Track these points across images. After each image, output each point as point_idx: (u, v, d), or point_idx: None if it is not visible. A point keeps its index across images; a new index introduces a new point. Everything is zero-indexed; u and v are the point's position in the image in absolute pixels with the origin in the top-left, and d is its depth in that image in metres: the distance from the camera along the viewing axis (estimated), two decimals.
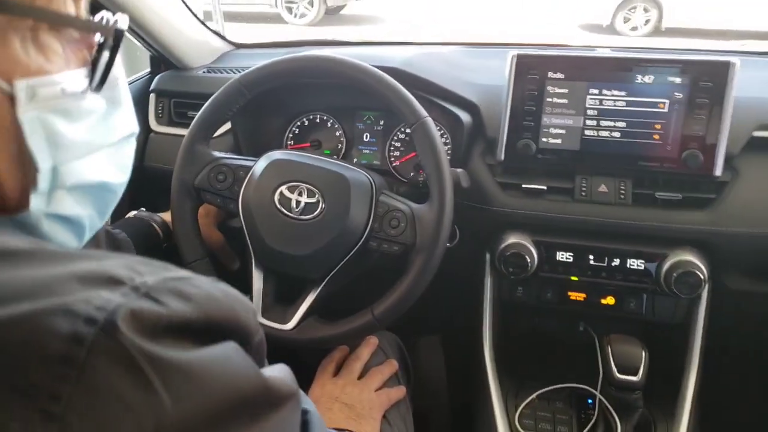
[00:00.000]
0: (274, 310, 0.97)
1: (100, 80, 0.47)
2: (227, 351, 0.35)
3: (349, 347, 1.05)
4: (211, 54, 1.46)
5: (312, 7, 8.02)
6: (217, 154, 1.01)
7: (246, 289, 0.96)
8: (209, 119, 1.00)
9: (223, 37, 1.51)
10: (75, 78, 0.45)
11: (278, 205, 0.92)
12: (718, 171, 0.99)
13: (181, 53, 1.35)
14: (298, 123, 1.26)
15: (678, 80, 0.98)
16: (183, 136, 1.00)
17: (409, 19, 8.72)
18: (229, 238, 1.16)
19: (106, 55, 0.47)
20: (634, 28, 7.37)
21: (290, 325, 0.95)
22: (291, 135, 1.27)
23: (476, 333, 1.17)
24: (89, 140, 0.47)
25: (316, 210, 0.92)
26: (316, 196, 0.92)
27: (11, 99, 0.40)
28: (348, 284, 1.04)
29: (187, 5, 1.35)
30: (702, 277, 0.97)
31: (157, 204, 1.12)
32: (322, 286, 0.95)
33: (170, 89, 1.34)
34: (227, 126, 1.23)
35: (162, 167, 1.27)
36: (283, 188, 0.93)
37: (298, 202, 0.92)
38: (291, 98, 1.24)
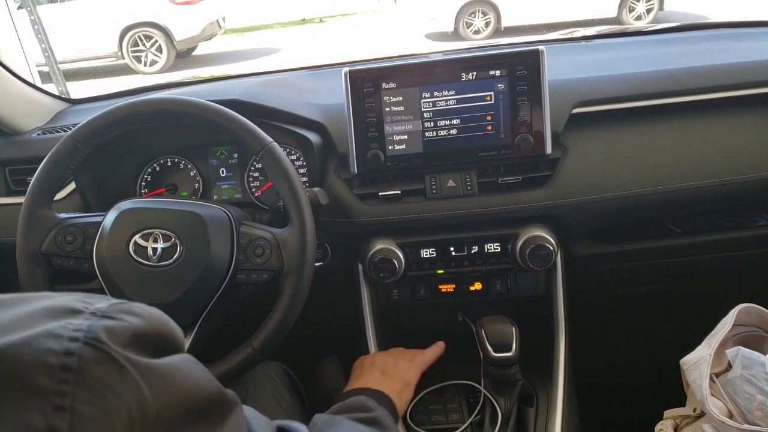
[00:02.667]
0: None
1: None
2: (186, 360, 0.42)
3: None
4: (44, 114, 1.39)
5: (161, 53, 7.80)
6: (61, 215, 0.96)
7: None
8: (46, 182, 0.95)
9: (54, 95, 1.44)
10: None
11: (134, 256, 0.89)
12: (548, 149, 1.08)
13: (8, 118, 1.27)
14: (149, 170, 1.23)
15: (498, 73, 1.06)
16: None
17: (266, 51, 8.73)
18: None
19: None
20: (476, 32, 7.87)
21: None
22: (144, 183, 1.23)
23: (364, 344, 1.18)
24: None
25: (174, 254, 0.89)
26: (173, 239, 0.90)
27: None
28: (229, 321, 1.02)
29: (6, 68, 1.27)
30: (552, 248, 1.05)
31: (9, 281, 1.04)
32: (195, 330, 0.93)
33: (2, 157, 1.25)
34: (72, 186, 1.18)
35: (6, 241, 1.19)
36: (137, 237, 0.90)
37: (154, 250, 0.89)
38: (137, 145, 1.20)
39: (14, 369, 0.33)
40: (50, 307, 0.38)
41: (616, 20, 7.67)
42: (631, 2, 7.73)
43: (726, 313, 0.91)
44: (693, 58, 1.22)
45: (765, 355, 0.80)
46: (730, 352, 0.82)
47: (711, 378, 0.81)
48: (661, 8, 7.80)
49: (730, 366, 0.82)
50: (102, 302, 0.40)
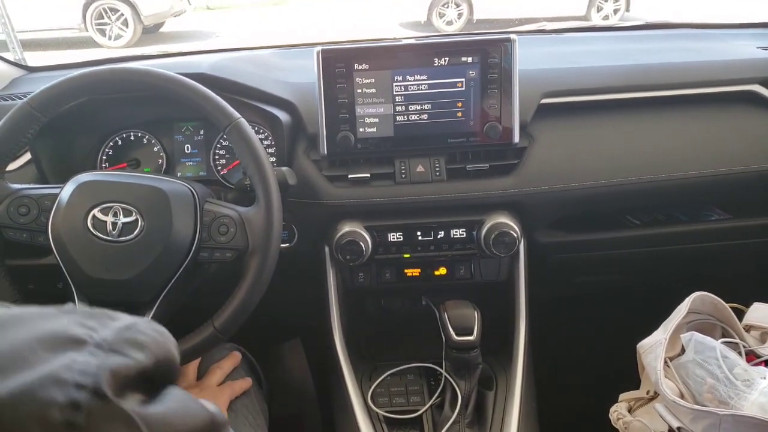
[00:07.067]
0: None
1: None
2: (178, 395, 0.40)
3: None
4: None
5: (127, 27, 7.55)
6: (15, 186, 0.93)
7: None
8: None
9: (9, 62, 1.38)
10: None
11: (92, 230, 0.87)
12: (516, 138, 1.09)
13: None
14: (111, 143, 1.19)
15: (470, 59, 1.07)
16: None
17: (235, 33, 8.56)
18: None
19: None
20: (449, 23, 7.88)
21: None
22: (105, 157, 1.19)
23: (328, 326, 1.18)
24: None
25: (135, 229, 0.88)
26: (134, 214, 0.88)
27: None
28: (191, 299, 1.01)
29: None
30: (515, 235, 1.07)
31: None
32: (155, 307, 0.91)
33: None
34: (27, 156, 1.14)
35: None
36: (96, 211, 0.87)
37: (114, 224, 0.87)
38: (99, 117, 1.16)
39: (13, 423, 0.30)
40: (49, 334, 0.34)
41: (584, 19, 7.80)
42: (599, 2, 7.88)
43: (679, 302, 0.94)
44: (659, 55, 1.25)
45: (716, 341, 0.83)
46: (685, 336, 0.84)
47: (665, 361, 0.84)
48: (627, 9, 7.97)
49: (683, 350, 0.85)
50: (106, 328, 0.37)
